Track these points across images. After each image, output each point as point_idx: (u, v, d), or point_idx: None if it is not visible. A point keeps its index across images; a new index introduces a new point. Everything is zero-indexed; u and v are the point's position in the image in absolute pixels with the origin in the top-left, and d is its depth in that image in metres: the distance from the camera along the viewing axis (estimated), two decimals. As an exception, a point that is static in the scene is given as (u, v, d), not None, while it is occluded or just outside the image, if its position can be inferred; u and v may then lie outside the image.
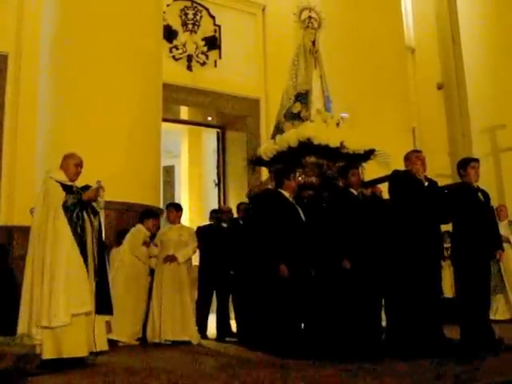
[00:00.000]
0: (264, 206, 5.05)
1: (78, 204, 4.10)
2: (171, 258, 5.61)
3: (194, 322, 5.65)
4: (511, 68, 10.34)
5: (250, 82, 10.48)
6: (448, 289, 6.67)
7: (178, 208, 6.01)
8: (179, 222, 5.97)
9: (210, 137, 12.13)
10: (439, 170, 9.23)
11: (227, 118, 10.71)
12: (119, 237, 6.01)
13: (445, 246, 5.86)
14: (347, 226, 4.82)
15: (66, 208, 4.04)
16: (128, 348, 5.25)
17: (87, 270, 4.08)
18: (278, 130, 6.02)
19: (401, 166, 4.99)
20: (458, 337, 4.61)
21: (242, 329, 5.93)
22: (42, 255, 3.96)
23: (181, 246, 5.73)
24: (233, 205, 7.88)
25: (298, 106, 5.89)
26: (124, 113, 6.50)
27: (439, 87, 12.61)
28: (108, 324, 4.43)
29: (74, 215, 4.06)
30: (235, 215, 6.64)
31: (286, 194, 4.90)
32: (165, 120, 8.04)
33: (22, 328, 3.96)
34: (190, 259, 5.86)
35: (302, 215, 4.86)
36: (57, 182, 4.15)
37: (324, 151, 5.60)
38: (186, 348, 5.27)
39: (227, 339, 6.11)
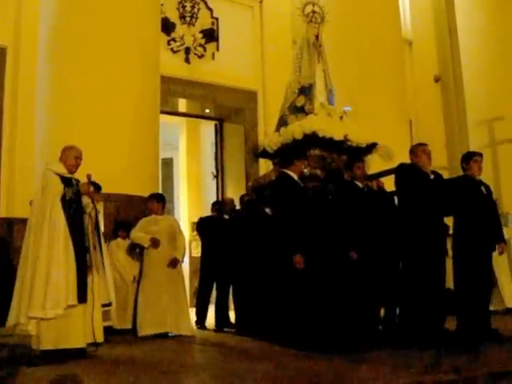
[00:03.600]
0: (278, 195, 4.85)
1: (77, 196, 4.14)
2: (175, 262, 5.61)
3: (188, 314, 5.64)
4: (508, 61, 10.38)
5: (247, 75, 10.49)
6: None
7: (159, 199, 5.90)
8: (162, 213, 5.92)
9: (208, 129, 12.14)
10: (436, 162, 9.22)
11: (225, 110, 10.72)
12: (117, 229, 6.06)
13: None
14: (353, 218, 4.84)
15: (66, 201, 4.06)
16: (127, 340, 5.26)
17: (90, 263, 4.13)
18: (282, 122, 6.08)
19: (398, 159, 5.03)
20: (455, 328, 4.65)
21: (240, 319, 5.97)
22: (38, 246, 3.97)
23: (171, 237, 5.72)
24: (232, 196, 7.91)
25: (302, 99, 5.94)
26: (122, 105, 6.52)
27: (436, 80, 12.62)
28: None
29: (73, 208, 4.09)
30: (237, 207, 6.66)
31: (295, 175, 4.76)
32: (163, 112, 8.07)
33: (13, 318, 3.94)
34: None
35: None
36: (56, 174, 4.17)
37: (328, 144, 5.65)
38: (184, 339, 5.30)
39: (226, 330, 6.15)
